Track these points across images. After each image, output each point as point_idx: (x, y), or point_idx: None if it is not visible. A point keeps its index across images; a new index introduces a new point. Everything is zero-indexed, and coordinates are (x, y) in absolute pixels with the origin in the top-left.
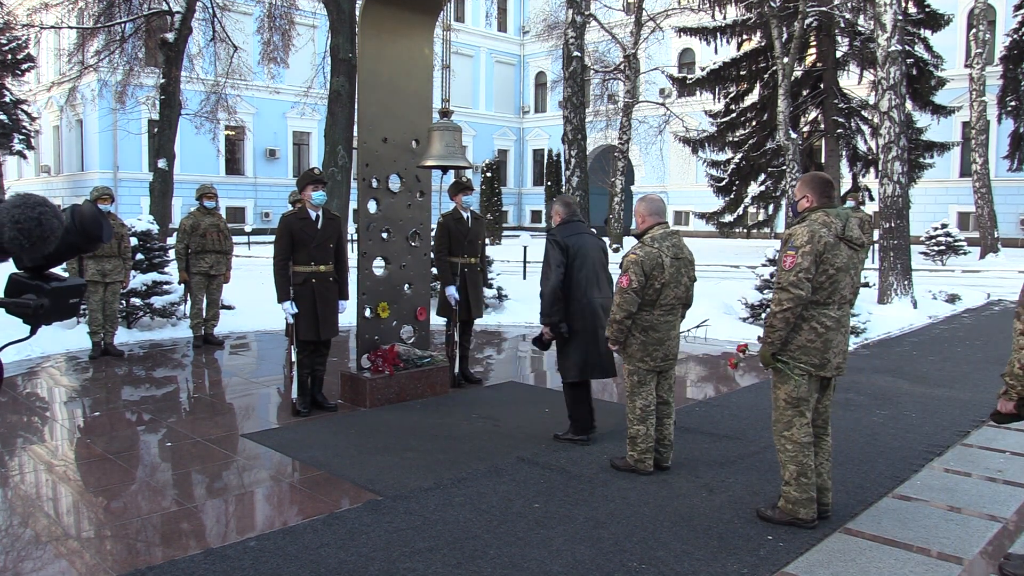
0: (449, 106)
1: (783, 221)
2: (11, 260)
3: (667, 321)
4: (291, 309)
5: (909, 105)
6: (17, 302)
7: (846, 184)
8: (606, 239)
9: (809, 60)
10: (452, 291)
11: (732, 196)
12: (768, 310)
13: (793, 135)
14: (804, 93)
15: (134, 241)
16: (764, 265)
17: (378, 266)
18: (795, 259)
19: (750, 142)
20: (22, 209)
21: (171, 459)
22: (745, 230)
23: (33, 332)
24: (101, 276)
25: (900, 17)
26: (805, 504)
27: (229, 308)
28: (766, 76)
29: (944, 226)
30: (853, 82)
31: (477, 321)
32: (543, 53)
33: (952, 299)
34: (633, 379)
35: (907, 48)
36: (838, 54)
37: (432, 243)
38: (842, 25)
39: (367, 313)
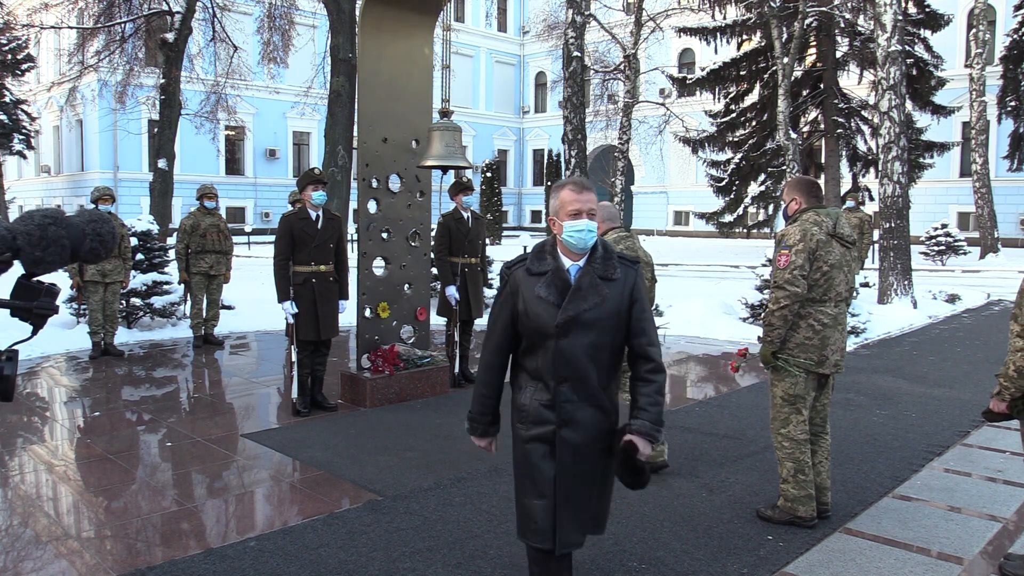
0: (449, 106)
1: (783, 221)
2: (18, 265)
3: None
4: (291, 309)
5: (909, 105)
6: (42, 304)
7: (846, 184)
8: None
9: (809, 60)
10: (452, 291)
11: (732, 196)
12: (766, 309)
13: (793, 135)
14: (804, 93)
15: (134, 241)
16: (764, 265)
17: (378, 266)
18: (789, 257)
19: (750, 142)
20: (99, 223)
21: (171, 459)
22: (745, 230)
23: (35, 332)
24: (101, 276)
25: (900, 17)
26: (804, 501)
27: (229, 308)
28: (766, 76)
29: (944, 226)
30: (853, 82)
31: (477, 321)
32: (543, 53)
33: (952, 299)
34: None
35: (907, 48)
36: (838, 54)
37: (432, 243)
38: (842, 25)
39: (367, 313)
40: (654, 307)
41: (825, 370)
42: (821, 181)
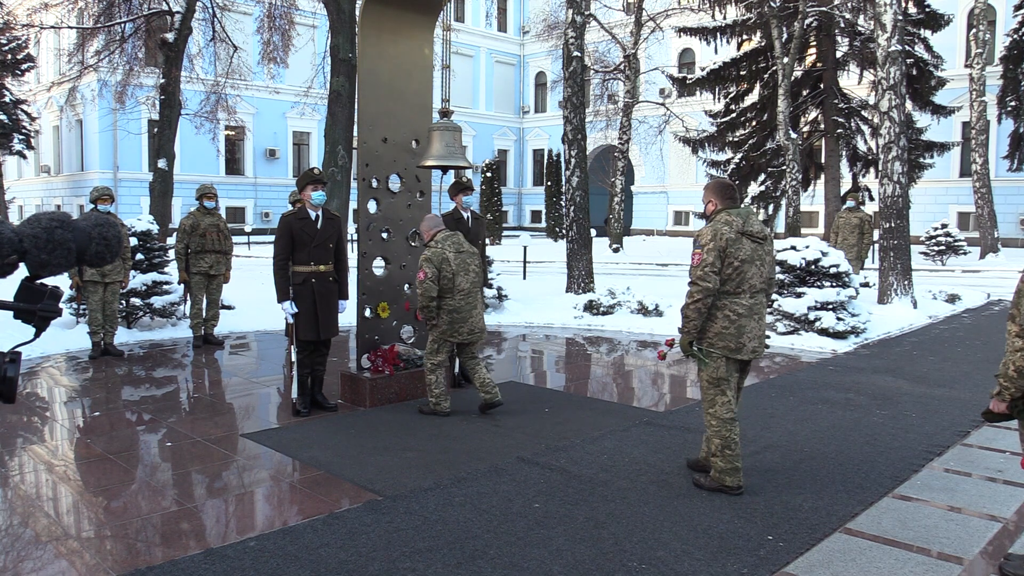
0: (449, 106)
1: (783, 221)
2: (24, 268)
3: (468, 303)
4: (291, 309)
5: (909, 105)
6: (46, 306)
7: (846, 184)
8: (605, 239)
9: (809, 60)
10: None
11: None
12: (682, 304)
13: (793, 135)
14: (804, 93)
15: (134, 241)
16: None
17: (378, 266)
18: (701, 256)
19: (750, 142)
20: (105, 227)
21: (171, 459)
22: None
23: (38, 335)
24: (100, 276)
25: (900, 17)
26: (731, 473)
27: (229, 308)
28: (766, 76)
29: (944, 226)
30: (853, 82)
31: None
32: (543, 53)
33: (952, 299)
34: (434, 346)
35: (907, 48)
36: (838, 54)
37: None
38: (842, 25)
39: (367, 313)
40: (654, 307)
41: (743, 356)
42: (821, 181)
